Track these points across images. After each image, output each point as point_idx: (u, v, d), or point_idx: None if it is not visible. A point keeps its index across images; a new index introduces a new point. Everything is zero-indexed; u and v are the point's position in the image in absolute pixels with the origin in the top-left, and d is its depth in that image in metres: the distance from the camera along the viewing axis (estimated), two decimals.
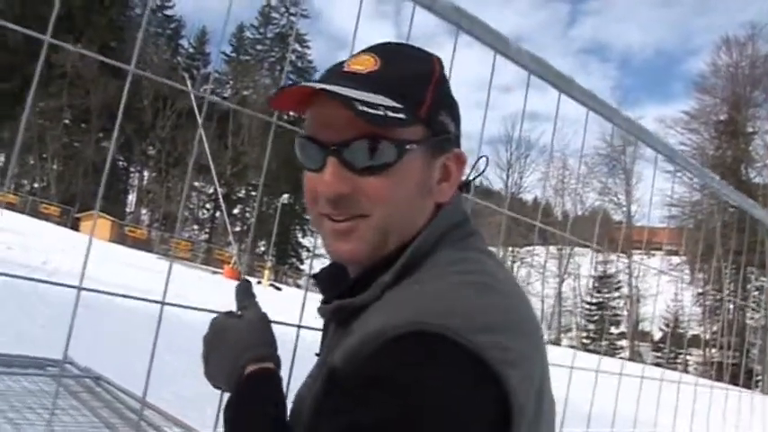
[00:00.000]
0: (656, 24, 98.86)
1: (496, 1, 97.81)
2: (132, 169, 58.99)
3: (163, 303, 1.16)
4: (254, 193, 57.16)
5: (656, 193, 37.23)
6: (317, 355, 0.93)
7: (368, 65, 0.84)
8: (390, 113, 0.77)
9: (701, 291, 40.91)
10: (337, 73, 0.85)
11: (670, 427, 2.45)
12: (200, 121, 1.46)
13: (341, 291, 0.85)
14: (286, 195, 42.91)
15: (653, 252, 29.98)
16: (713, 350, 39.48)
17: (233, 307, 1.01)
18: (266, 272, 36.21)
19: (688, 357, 40.56)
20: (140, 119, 51.67)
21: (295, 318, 1.28)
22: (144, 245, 40.49)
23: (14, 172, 49.56)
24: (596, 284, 52.41)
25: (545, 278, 51.67)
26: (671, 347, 41.52)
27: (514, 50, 1.63)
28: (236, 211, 57.03)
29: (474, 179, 0.99)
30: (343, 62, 0.88)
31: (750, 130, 45.78)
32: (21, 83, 46.34)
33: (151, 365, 1.13)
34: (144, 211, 58.17)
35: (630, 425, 2.68)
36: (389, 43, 0.90)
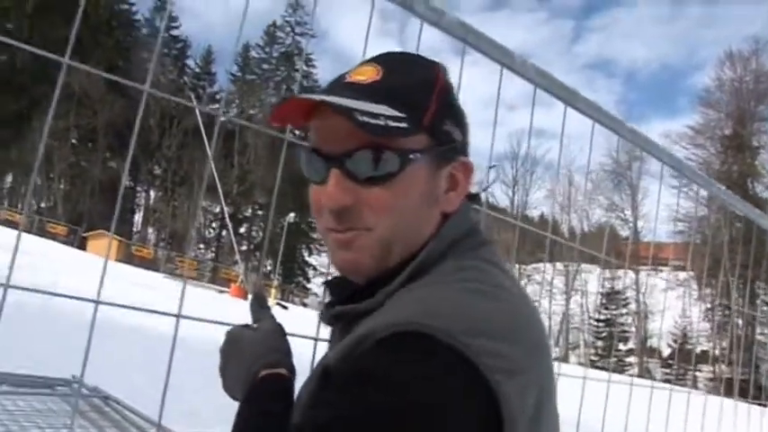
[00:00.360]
0: (661, 39, 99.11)
1: (501, 17, 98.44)
2: (139, 189, 59.22)
3: (179, 317, 1.17)
4: (260, 212, 57.28)
5: (662, 209, 37.08)
6: None
7: (370, 75, 0.83)
8: (392, 123, 0.76)
9: (709, 306, 40.69)
10: (339, 84, 0.85)
11: None
12: (211, 141, 1.47)
13: (345, 297, 0.85)
14: (292, 214, 43.00)
15: (660, 268, 29.83)
16: (722, 366, 39.16)
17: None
18: (273, 290, 36.18)
19: (697, 373, 40.19)
20: (147, 138, 51.90)
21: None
22: (150, 264, 40.59)
23: (22, 191, 49.83)
24: (604, 301, 52.04)
25: (552, 295, 51.43)
26: (679, 364, 41.17)
27: (520, 64, 1.65)
28: (242, 230, 57.12)
29: (484, 189, 0.98)
30: (345, 73, 0.87)
31: (756, 144, 45.79)
32: (28, 103, 46.70)
33: (167, 385, 1.14)
34: (150, 230, 58.35)
35: None
36: (392, 53, 0.89)
